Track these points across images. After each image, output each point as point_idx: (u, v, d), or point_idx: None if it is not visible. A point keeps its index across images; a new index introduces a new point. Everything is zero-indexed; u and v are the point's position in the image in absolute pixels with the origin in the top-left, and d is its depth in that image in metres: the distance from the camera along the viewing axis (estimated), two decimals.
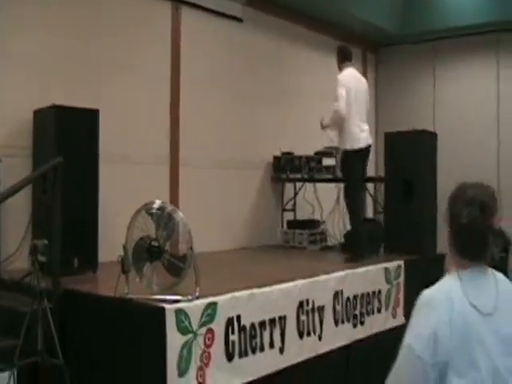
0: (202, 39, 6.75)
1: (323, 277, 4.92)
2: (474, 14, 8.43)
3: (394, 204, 6.51)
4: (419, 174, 6.37)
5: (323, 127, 6.31)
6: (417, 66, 9.39)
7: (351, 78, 6.04)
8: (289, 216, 7.80)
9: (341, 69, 6.15)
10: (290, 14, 7.91)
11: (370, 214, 7.05)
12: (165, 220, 3.61)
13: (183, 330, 3.59)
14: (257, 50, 7.50)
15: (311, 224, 7.66)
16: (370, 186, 7.39)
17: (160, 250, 3.62)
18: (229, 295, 3.95)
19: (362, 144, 6.00)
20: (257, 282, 4.42)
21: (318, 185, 7.62)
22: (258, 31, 7.49)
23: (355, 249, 6.03)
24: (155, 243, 3.62)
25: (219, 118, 6.93)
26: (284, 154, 7.57)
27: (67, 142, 4.60)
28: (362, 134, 6.00)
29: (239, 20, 7.21)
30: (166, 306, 3.52)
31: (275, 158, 7.62)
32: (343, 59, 6.18)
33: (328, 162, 7.29)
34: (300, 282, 4.62)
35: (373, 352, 5.50)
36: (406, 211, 6.36)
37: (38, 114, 5.01)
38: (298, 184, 7.77)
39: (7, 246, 4.82)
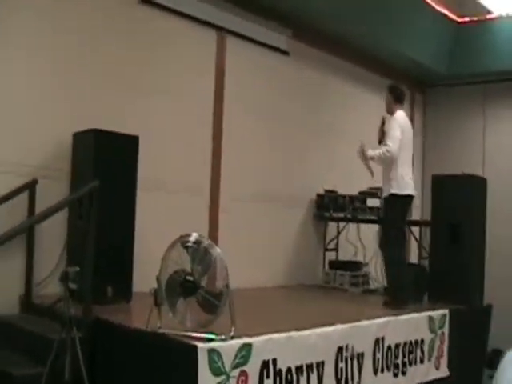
0: (247, 70, 6.66)
1: (364, 322, 4.69)
2: None
3: (440, 249, 6.24)
4: (467, 219, 6.12)
5: (365, 158, 5.80)
6: (466, 108, 9.15)
7: (404, 122, 5.81)
8: (331, 256, 7.58)
9: (391, 110, 5.86)
10: (337, 48, 7.79)
11: (414, 259, 6.77)
12: (201, 254, 3.45)
13: (216, 370, 3.40)
14: (302, 83, 7.38)
15: (354, 265, 7.42)
16: (415, 230, 7.11)
17: (195, 286, 3.45)
18: (265, 337, 3.75)
19: (409, 191, 5.75)
20: (295, 323, 4.22)
21: (362, 226, 7.40)
22: (303, 64, 7.38)
23: (397, 294, 5.74)
24: (190, 278, 3.45)
25: (262, 151, 6.80)
26: (327, 191, 7.38)
27: (105, 167, 4.50)
28: (410, 181, 5.77)
29: (285, 53, 7.12)
30: (199, 344, 3.35)
31: (318, 195, 7.44)
32: (395, 101, 5.86)
33: (372, 202, 7.07)
34: (340, 327, 4.40)
35: None
36: (453, 257, 6.09)
37: (78, 137, 4.94)
38: (342, 224, 7.55)
39: (41, 270, 4.72)
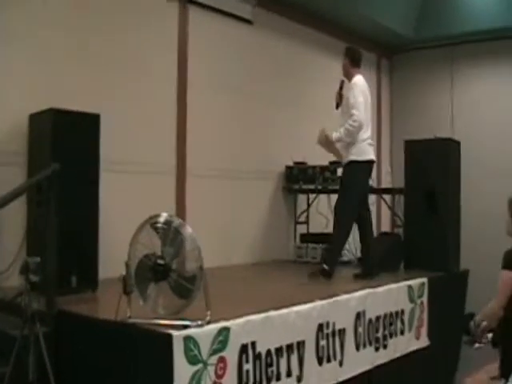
0: (211, 41, 6.37)
1: (344, 297, 4.51)
2: (493, 18, 8.05)
3: (415, 216, 6.09)
4: (443, 184, 5.97)
5: (331, 143, 5.61)
6: (434, 72, 8.98)
7: (364, 86, 5.57)
8: (302, 229, 7.39)
9: (349, 73, 5.62)
10: (302, 17, 7.55)
11: (386, 227, 6.61)
12: (171, 235, 3.20)
13: (192, 359, 3.18)
14: (267, 53, 7.12)
15: (326, 238, 7.23)
16: (387, 198, 6.95)
17: (166, 269, 3.20)
18: (243, 319, 3.54)
19: (370, 155, 5.54)
20: (272, 303, 4.02)
21: (333, 196, 7.19)
22: (268, 34, 7.12)
23: (367, 265, 5.59)
24: (161, 261, 3.20)
25: (228, 125, 6.54)
26: (296, 163, 7.17)
27: (65, 149, 4.17)
28: (370, 146, 5.57)
29: (249, 22, 6.83)
30: (174, 332, 3.11)
31: (287, 167, 7.23)
32: (352, 63, 5.63)
33: None
34: (319, 304, 4.21)
35: (396, 377, 5.10)
36: (429, 225, 5.96)
37: (34, 118, 4.59)
38: (313, 196, 7.35)
39: (1, 262, 4.42)
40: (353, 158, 5.48)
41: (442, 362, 6.01)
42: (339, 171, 6.90)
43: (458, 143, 6.36)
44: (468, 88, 8.70)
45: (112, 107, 5.04)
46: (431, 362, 5.69)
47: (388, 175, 6.69)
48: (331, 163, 6.93)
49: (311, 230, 7.37)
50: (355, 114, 5.33)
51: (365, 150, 5.49)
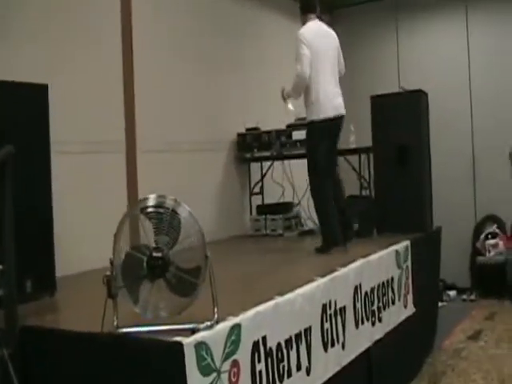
0: (155, 3, 5.61)
1: (343, 271, 4.00)
2: None
3: (386, 176, 5.66)
4: (415, 139, 5.58)
5: (284, 98, 5.29)
6: (378, 25, 8.53)
7: (314, 33, 5.01)
8: (258, 201, 6.84)
9: (302, 23, 5.13)
10: None
11: (354, 191, 6.15)
12: (167, 219, 2.56)
13: (206, 369, 2.56)
14: (216, 14, 6.44)
15: (284, 207, 6.75)
16: (354, 159, 6.45)
17: (164, 263, 2.56)
18: (252, 312, 2.95)
19: (329, 113, 4.97)
20: (272, 288, 3.47)
21: (292, 162, 6.68)
22: None
23: (326, 237, 5.02)
24: (158, 254, 2.55)
25: (176, 94, 5.79)
26: (249, 129, 6.58)
27: (6, 127, 3.38)
28: (329, 102, 4.97)
29: None
30: (183, 339, 2.48)
31: (239, 135, 6.62)
32: (302, 12, 5.14)
33: (300, 135, 6.35)
34: (321, 281, 3.68)
35: (391, 351, 4.69)
36: (402, 184, 5.56)
37: None
38: (266, 164, 6.79)
39: None
40: (311, 118, 5.01)
41: (424, 326, 5.69)
42: (294, 134, 6.40)
43: (427, 95, 5.94)
44: (414, 39, 8.32)
45: (56, 83, 4.20)
46: (416, 329, 5.33)
47: (352, 135, 6.20)
48: (288, 126, 6.39)
49: (267, 201, 6.82)
50: (297, 67, 4.88)
51: (322, 108, 4.94)
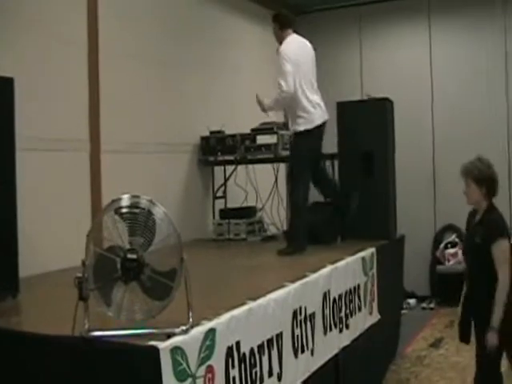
0: (121, 5, 5.48)
1: (313, 277, 3.95)
2: None
3: (352, 183, 5.64)
4: (381, 147, 5.59)
5: (265, 110, 5.41)
6: (342, 33, 8.53)
7: (295, 48, 5.17)
8: (221, 205, 6.75)
9: (280, 38, 5.25)
10: None
11: (319, 197, 6.11)
12: (143, 220, 2.47)
13: (181, 375, 2.47)
14: (180, 17, 6.34)
15: (247, 212, 6.69)
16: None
17: (139, 265, 2.47)
18: (227, 316, 2.88)
19: (318, 120, 5.18)
20: (243, 292, 3.41)
21: (256, 167, 6.64)
22: None
23: (292, 240, 5.19)
24: (132, 255, 2.46)
25: (140, 95, 5.67)
26: (213, 133, 6.49)
27: None
28: (315, 110, 5.17)
29: None
30: (159, 344, 2.39)
31: (203, 138, 6.53)
32: (281, 28, 5.26)
33: (264, 139, 6.33)
34: (292, 287, 3.63)
35: (358, 357, 4.67)
36: (368, 190, 5.54)
37: None
38: (230, 168, 6.72)
39: None
40: (301, 128, 5.16)
41: (388, 333, 5.71)
42: (259, 139, 6.37)
43: (392, 102, 5.97)
44: (377, 48, 8.33)
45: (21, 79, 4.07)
46: (380, 336, 5.33)
47: None
48: (253, 130, 6.34)
49: (230, 205, 6.74)
50: (281, 84, 5.02)
51: (311, 117, 5.15)
